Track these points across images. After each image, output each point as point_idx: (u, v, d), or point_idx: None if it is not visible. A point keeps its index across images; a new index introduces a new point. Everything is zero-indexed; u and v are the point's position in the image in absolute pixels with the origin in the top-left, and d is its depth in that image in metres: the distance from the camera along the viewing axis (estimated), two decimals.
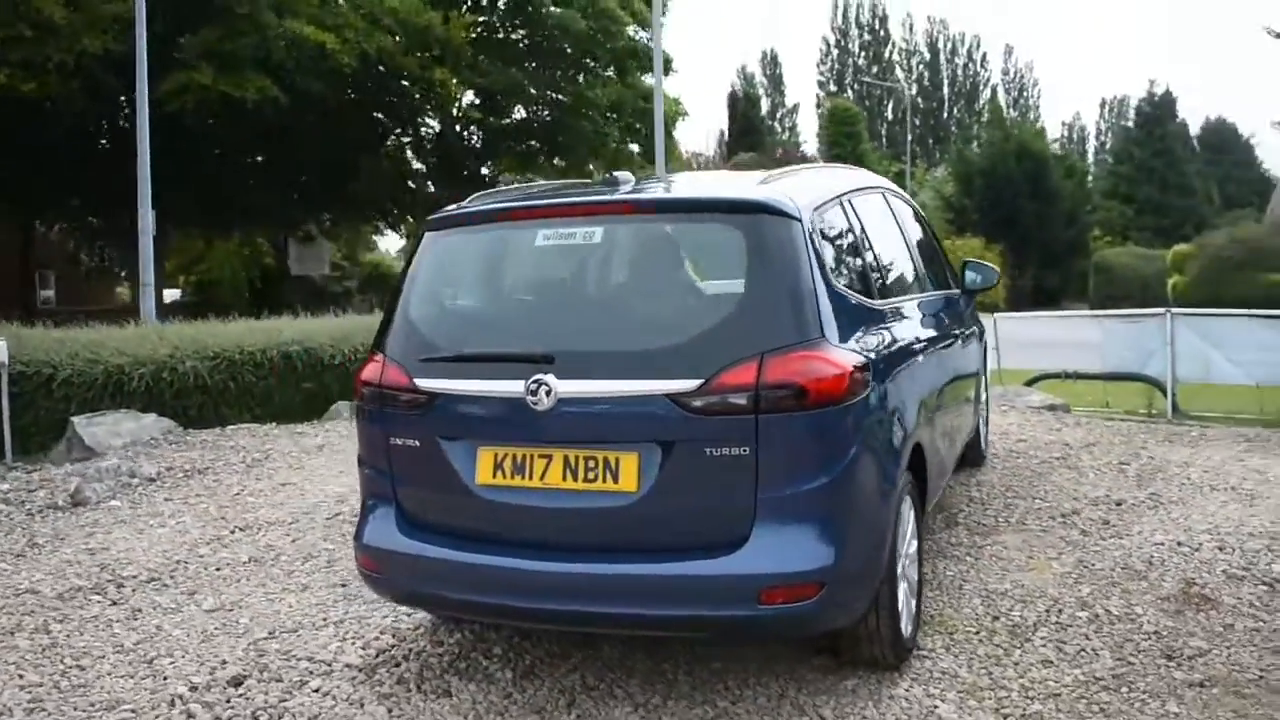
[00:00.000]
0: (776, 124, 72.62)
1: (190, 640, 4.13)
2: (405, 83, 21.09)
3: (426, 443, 3.39)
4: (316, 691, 3.63)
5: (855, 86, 73.30)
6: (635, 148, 26.97)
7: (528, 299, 3.78)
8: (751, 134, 63.55)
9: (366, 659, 3.85)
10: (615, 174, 3.69)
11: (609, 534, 3.19)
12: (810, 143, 72.05)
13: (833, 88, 75.17)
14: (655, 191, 3.80)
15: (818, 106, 73.50)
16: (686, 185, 4.37)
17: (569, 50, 22.63)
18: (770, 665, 3.69)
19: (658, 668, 3.71)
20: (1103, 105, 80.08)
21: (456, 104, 22.11)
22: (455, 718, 3.43)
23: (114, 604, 4.61)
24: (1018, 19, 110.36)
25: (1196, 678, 3.57)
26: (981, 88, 75.45)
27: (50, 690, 3.73)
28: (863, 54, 75.31)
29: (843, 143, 50.06)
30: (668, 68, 25.82)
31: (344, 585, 4.69)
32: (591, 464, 3.18)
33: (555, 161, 24.50)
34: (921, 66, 75.91)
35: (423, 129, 24.45)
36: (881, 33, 75.11)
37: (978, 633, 3.96)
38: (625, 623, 3.24)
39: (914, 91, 73.16)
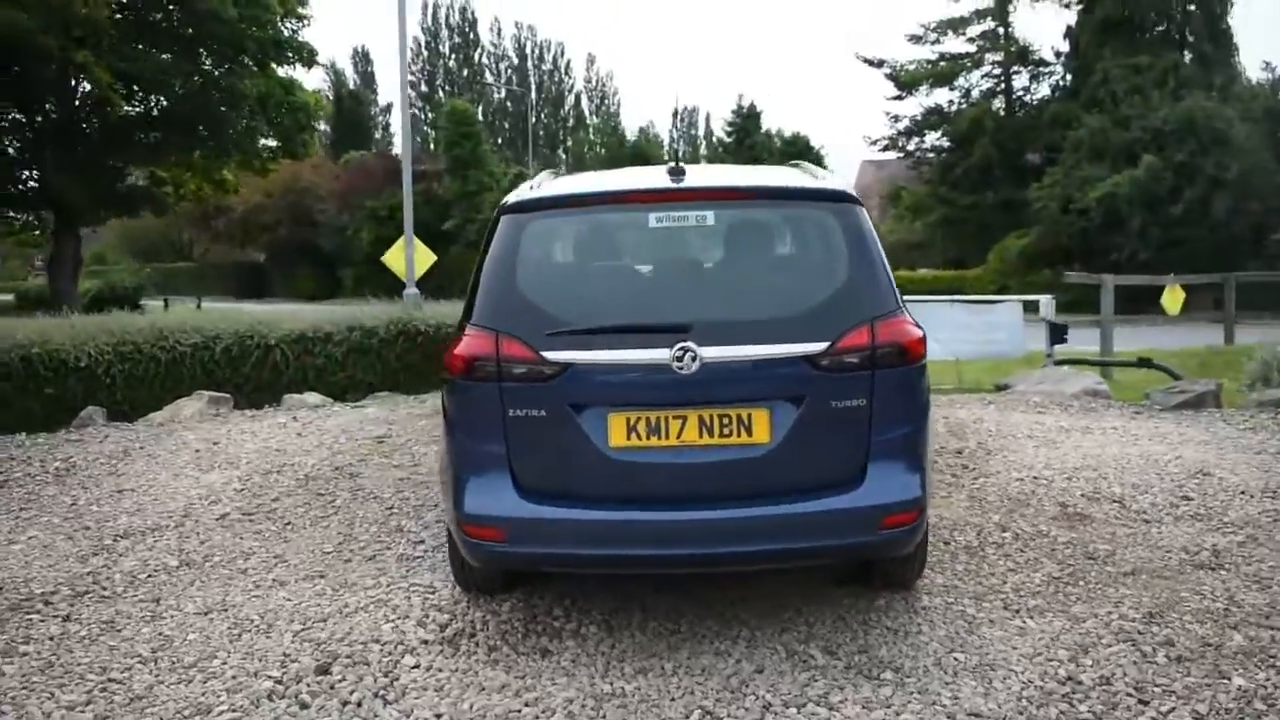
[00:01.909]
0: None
1: (218, 641, 4.00)
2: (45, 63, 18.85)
3: (554, 412, 3.62)
4: (417, 667, 3.72)
5: (446, 88, 74.26)
6: (273, 142, 25.92)
7: (651, 275, 4.09)
8: (359, 133, 62.57)
9: (436, 635, 3.97)
10: (678, 164, 4.08)
11: (743, 482, 3.65)
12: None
13: (424, 88, 75.76)
14: (755, 180, 4.27)
15: (411, 105, 73.91)
16: (768, 176, 4.71)
17: (217, 38, 21.35)
18: (814, 595, 4.26)
19: (712, 609, 4.15)
20: (675, 115, 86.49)
21: (87, 87, 20.13)
22: (573, 669, 3.69)
23: (66, 619, 4.25)
24: (598, 29, 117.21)
25: (1125, 570, 4.59)
26: (567, 94, 79.18)
27: (109, 708, 3.49)
28: (453, 56, 76.64)
29: (461, 143, 50.63)
30: (311, 61, 25.15)
31: (321, 577, 4.65)
32: (726, 421, 3.61)
33: (197, 154, 22.98)
34: (510, 71, 78.33)
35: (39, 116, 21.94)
36: (471, 35, 76.79)
37: (943, 556, 4.76)
38: (760, 559, 3.71)
39: (502, 95, 75.53)
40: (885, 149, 42.69)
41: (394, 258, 12.75)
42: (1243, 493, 5.61)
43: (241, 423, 8.04)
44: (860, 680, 3.60)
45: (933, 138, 41.91)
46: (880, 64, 41.60)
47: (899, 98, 41.62)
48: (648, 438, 3.63)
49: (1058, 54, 39.11)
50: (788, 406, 3.65)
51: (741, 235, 4.09)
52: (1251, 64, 74.65)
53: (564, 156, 75.17)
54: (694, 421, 3.63)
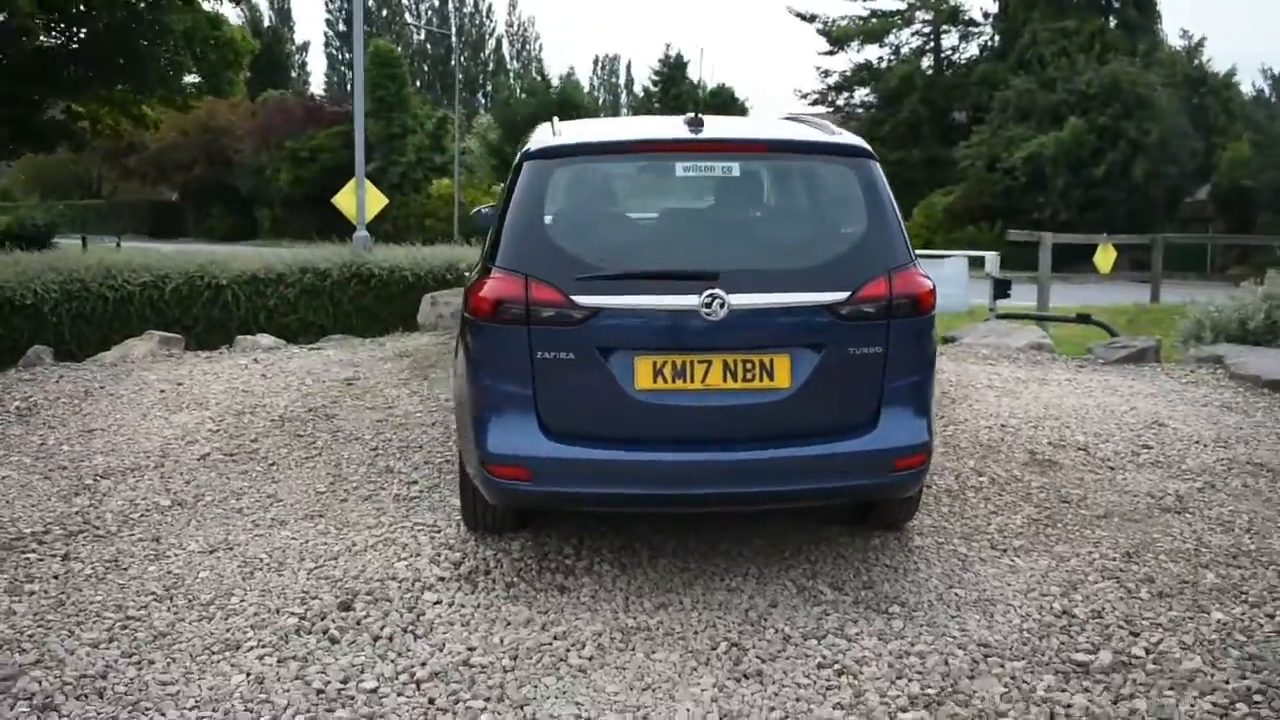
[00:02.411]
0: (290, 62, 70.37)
1: (231, 579, 4.04)
2: None
3: (582, 355, 3.70)
4: (439, 603, 3.80)
5: (365, 28, 72.61)
6: (197, 78, 25.08)
7: (677, 223, 4.16)
8: (277, 71, 60.93)
9: (451, 572, 4.05)
10: (697, 115, 4.14)
11: (764, 425, 3.78)
12: (318, 84, 70.95)
13: (342, 27, 74.08)
14: (775, 133, 4.36)
15: (326, 45, 72.50)
16: (786, 130, 4.68)
17: None
18: (811, 535, 4.43)
19: (716, 548, 4.29)
20: (595, 62, 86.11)
21: (4, 16, 19.17)
22: (594, 604, 3.81)
23: (65, 558, 4.23)
24: None
25: (1098, 513, 4.85)
26: (488, 38, 78.05)
27: (134, 644, 3.51)
28: None
29: (385, 84, 49.65)
30: None
31: (321, 516, 4.69)
32: (749, 366, 3.73)
33: (119, 88, 22.11)
34: (430, 12, 76.80)
35: None
36: None
37: (927, 499, 4.96)
38: (778, 498, 3.86)
39: (423, 37, 74.17)
40: (815, 103, 43.00)
41: (345, 199, 12.57)
42: (1196, 442, 5.92)
43: (199, 364, 7.93)
44: (870, 614, 3.78)
45: (862, 93, 42.36)
46: (812, 18, 41.86)
47: (830, 53, 41.97)
48: (673, 381, 3.72)
49: (986, 15, 39.82)
50: (808, 353, 3.78)
51: (763, 187, 4.19)
52: (1173, 31, 76.55)
53: (483, 100, 74.20)
54: (719, 366, 3.73)
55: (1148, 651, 3.57)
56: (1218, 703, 3.28)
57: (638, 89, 74.23)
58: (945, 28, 40.63)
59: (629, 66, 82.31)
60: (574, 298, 3.71)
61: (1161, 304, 15.59)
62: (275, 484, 5.16)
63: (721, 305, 3.67)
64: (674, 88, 59.99)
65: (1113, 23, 35.06)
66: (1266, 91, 32.15)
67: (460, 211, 39.95)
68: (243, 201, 46.75)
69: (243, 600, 3.84)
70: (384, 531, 4.48)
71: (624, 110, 75.57)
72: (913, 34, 41.21)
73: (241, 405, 6.52)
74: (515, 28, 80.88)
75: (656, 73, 58.26)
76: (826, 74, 42.50)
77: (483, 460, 3.81)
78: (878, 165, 4.07)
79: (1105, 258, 15.43)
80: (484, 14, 77.28)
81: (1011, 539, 4.53)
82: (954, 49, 41.05)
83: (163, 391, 6.94)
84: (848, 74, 42.31)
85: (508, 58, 79.35)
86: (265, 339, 9.01)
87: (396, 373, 7.48)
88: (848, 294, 3.78)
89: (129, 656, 3.44)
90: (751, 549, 4.31)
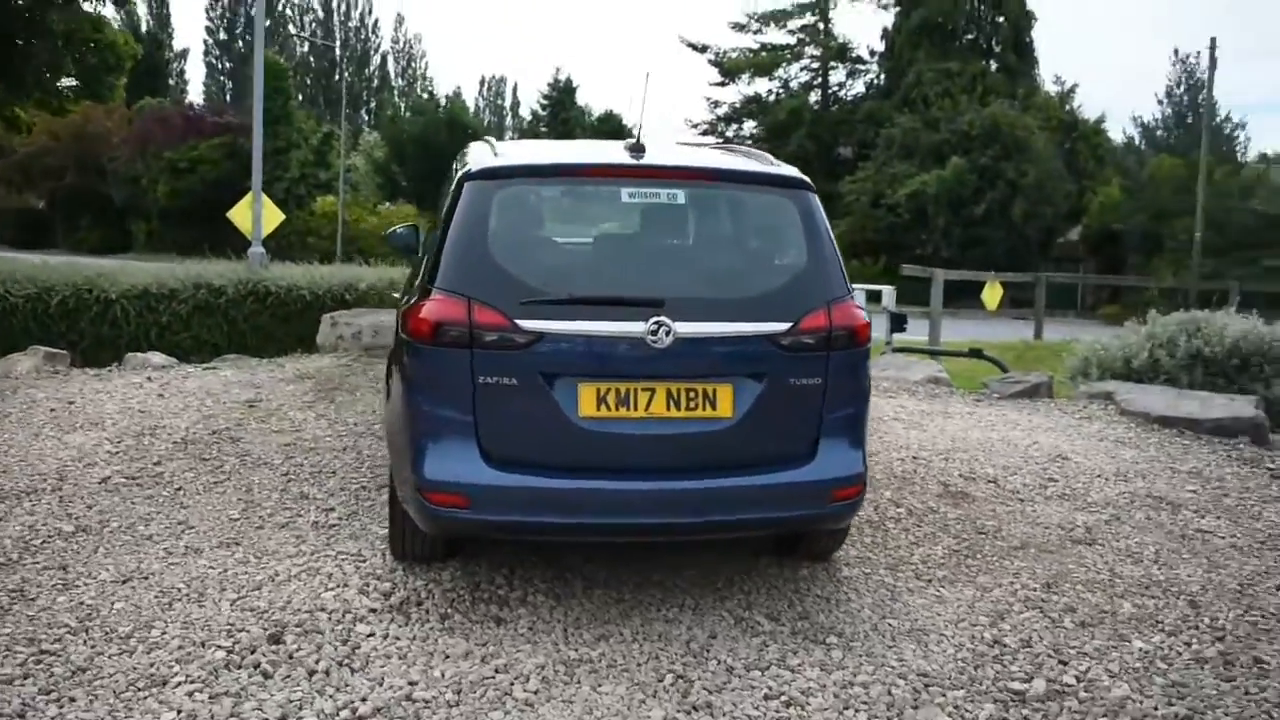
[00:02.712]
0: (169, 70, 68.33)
1: (150, 610, 3.86)
2: None
3: (524, 380, 3.66)
4: (373, 635, 3.70)
5: (247, 37, 71.09)
6: (73, 81, 24.19)
7: (621, 248, 4.13)
8: (156, 78, 59.14)
9: (382, 603, 3.95)
10: (637, 140, 4.15)
11: (706, 454, 3.79)
12: (197, 93, 69.29)
13: (223, 36, 72.53)
14: (719, 162, 4.37)
15: (205, 54, 70.79)
16: (729, 159, 4.70)
17: None
18: (741, 566, 4.45)
19: (649, 579, 4.29)
20: (481, 83, 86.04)
21: None
22: (533, 636, 3.76)
23: None
24: None
25: (1014, 544, 4.99)
26: (373, 53, 77.33)
27: (52, 681, 3.32)
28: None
29: (272, 97, 48.58)
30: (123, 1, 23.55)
31: (237, 544, 4.52)
32: (692, 395, 3.74)
33: None
34: (315, 25, 75.65)
35: None
36: None
37: (850, 530, 5.02)
38: (719, 528, 3.87)
39: (306, 50, 72.97)
40: (705, 133, 43.66)
41: (240, 214, 12.20)
42: (1098, 476, 6.16)
43: (90, 381, 7.59)
44: (809, 645, 3.82)
45: (750, 125, 43.16)
46: (704, 49, 42.53)
47: (721, 84, 42.72)
48: (616, 409, 3.71)
49: (873, 53, 41.02)
50: (750, 383, 3.81)
51: (706, 215, 4.21)
52: (1048, 77, 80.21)
53: (366, 117, 73.22)
54: (662, 394, 3.73)
55: (1078, 679, 3.68)
56: None
57: (524, 111, 74.36)
58: (833, 64, 41.78)
59: (515, 89, 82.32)
60: (518, 322, 3.66)
61: (1045, 341, 16.25)
62: (184, 509, 4.95)
63: (668, 333, 3.67)
64: (563, 112, 60.29)
65: (994, 66, 36.56)
66: (1137, 139, 33.90)
67: (345, 230, 39.26)
68: (116, 213, 44.98)
69: (164, 633, 3.66)
70: (306, 560, 4.34)
71: (509, 134, 75.56)
72: (802, 68, 42.28)
73: (140, 426, 6.26)
74: (401, 44, 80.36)
75: (546, 96, 58.38)
76: (716, 104, 43.27)
77: (419, 487, 3.72)
78: (816, 197, 4.13)
79: (993, 295, 16.01)
80: (369, 29, 76.54)
81: (935, 569, 4.64)
82: (841, 85, 42.26)
83: (53, 410, 6.62)
84: (737, 105, 43.13)
85: (393, 75, 78.69)
86: (157, 357, 8.67)
87: (300, 395, 7.28)
88: (789, 324, 3.82)
89: (47, 694, 3.25)
90: (685, 580, 4.31)
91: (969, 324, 17.85)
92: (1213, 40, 32.55)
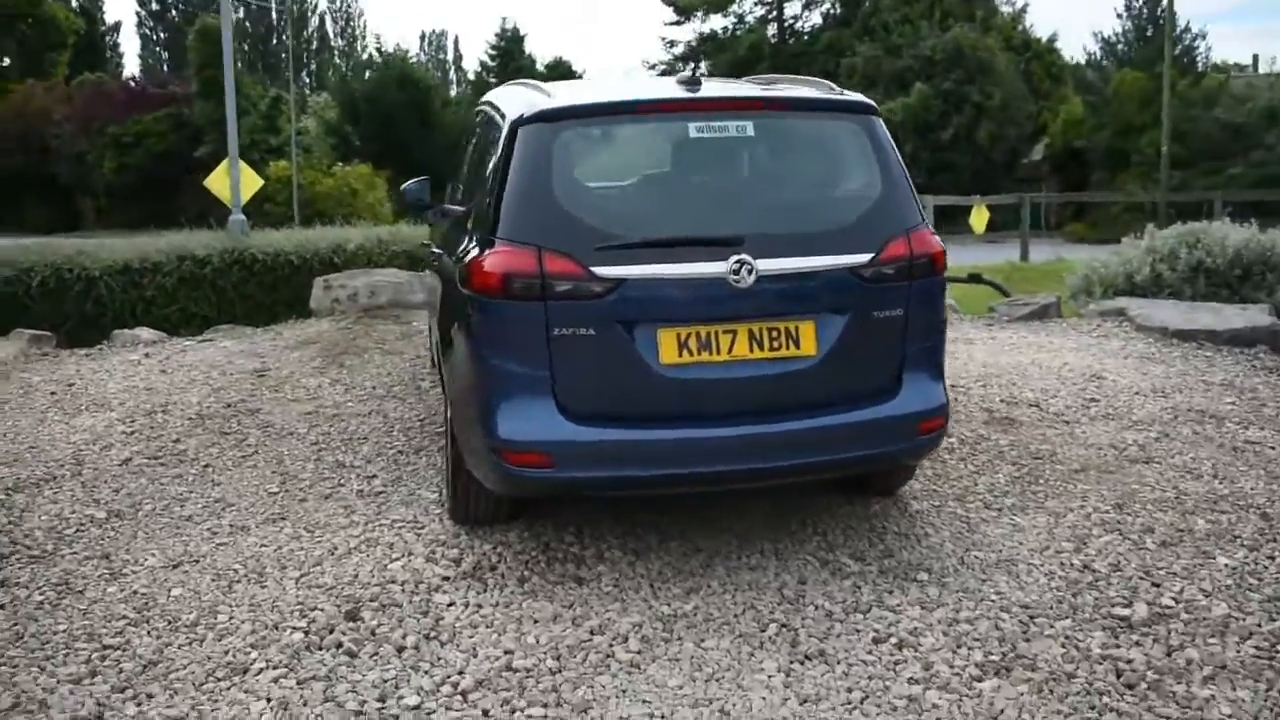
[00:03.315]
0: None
1: (210, 595, 3.67)
2: None
3: (602, 330, 3.49)
4: (453, 605, 3.55)
5: (179, 7, 69.33)
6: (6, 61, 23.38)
7: (693, 186, 3.95)
8: (94, 53, 57.52)
9: (454, 571, 3.79)
10: (696, 74, 3.96)
11: (791, 395, 3.65)
12: (134, 66, 67.77)
13: (155, 5, 70.73)
14: (783, 91, 4.20)
15: (139, 26, 69.09)
16: (792, 88, 4.51)
17: None
18: (809, 507, 4.33)
19: (719, 527, 4.16)
20: (422, 38, 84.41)
21: None
22: (620, 594, 3.62)
23: (2, 585, 3.78)
24: None
25: (1074, 468, 4.91)
26: (310, 14, 75.73)
27: (124, 678, 3.14)
28: None
29: (215, 63, 47.36)
30: None
31: (284, 519, 4.34)
32: (775, 334, 3.59)
33: None
34: None
35: None
36: None
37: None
38: (809, 470, 3.75)
39: (242, 15, 71.19)
40: (664, 74, 43.09)
41: (218, 181, 11.81)
42: (1137, 393, 6.09)
43: (84, 362, 7.33)
44: (903, 583, 3.71)
45: (709, 64, 42.64)
46: None
47: (677, 23, 42.07)
48: (699, 353, 3.55)
49: None
50: (833, 318, 3.66)
51: (777, 146, 4.04)
52: None
53: (308, 80, 71.65)
54: (744, 335, 3.58)
55: (1176, 600, 3.61)
56: (1260, 646, 3.32)
57: (468, 65, 73.10)
58: None
59: (456, 42, 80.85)
60: (594, 269, 3.48)
61: (1031, 262, 16.22)
62: (218, 487, 4.76)
63: (750, 271, 3.51)
64: (512, 62, 59.20)
65: None
66: (1098, 54, 33.82)
67: (301, 194, 38.44)
68: (62, 191, 43.80)
69: (231, 618, 3.48)
70: (362, 531, 4.16)
71: (454, 88, 74.23)
72: (756, 2, 41.73)
73: (150, 404, 6.03)
74: (338, 4, 78.32)
75: (494, 47, 57.44)
76: (672, 44, 42.71)
77: (495, 448, 3.55)
78: (882, 122, 3.98)
79: (980, 218, 15.95)
80: None
81: (1002, 498, 4.54)
82: (796, 17, 41.76)
83: (53, 393, 6.37)
84: (693, 44, 42.57)
85: (332, 35, 77.02)
86: (145, 333, 8.39)
87: (308, 361, 7.06)
88: (871, 255, 3.68)
89: (121, 691, 3.07)
90: (755, 525, 4.18)
91: (952, 249, 17.78)
92: None
